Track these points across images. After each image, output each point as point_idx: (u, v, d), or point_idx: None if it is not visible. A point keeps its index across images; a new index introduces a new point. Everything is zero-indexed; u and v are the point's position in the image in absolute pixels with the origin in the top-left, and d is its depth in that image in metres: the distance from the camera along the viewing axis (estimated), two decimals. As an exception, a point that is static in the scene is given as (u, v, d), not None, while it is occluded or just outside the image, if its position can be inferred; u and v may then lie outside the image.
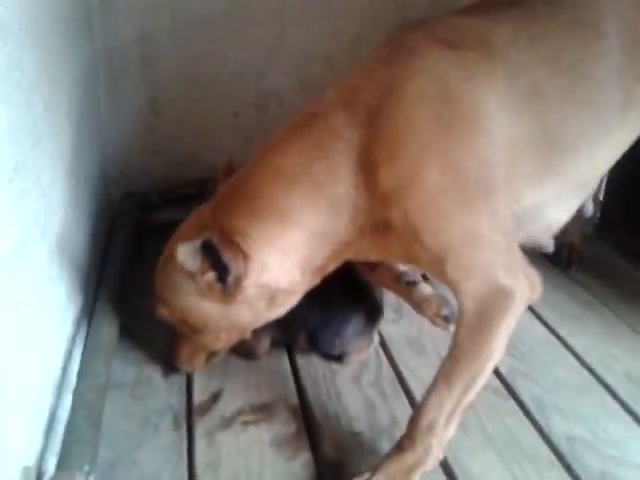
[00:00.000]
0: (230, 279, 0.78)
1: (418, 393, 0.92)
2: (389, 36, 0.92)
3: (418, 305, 1.07)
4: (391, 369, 1.01)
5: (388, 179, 0.76)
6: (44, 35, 0.87)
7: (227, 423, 0.87)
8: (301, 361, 1.02)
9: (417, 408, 0.77)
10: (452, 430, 0.76)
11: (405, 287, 1.08)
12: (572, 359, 1.04)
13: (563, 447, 0.85)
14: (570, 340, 1.09)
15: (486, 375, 0.76)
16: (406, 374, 1.00)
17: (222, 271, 0.78)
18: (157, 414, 0.89)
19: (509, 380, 0.98)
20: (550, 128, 0.86)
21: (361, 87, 0.81)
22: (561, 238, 1.30)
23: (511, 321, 0.77)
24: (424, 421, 0.75)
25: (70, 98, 1.03)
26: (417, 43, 0.83)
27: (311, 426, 0.88)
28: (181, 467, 0.80)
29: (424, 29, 0.87)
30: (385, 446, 0.83)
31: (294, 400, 0.93)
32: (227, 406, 0.91)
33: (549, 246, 1.26)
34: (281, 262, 0.80)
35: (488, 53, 0.83)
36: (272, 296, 0.82)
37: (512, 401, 0.94)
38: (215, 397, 0.92)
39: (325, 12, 1.41)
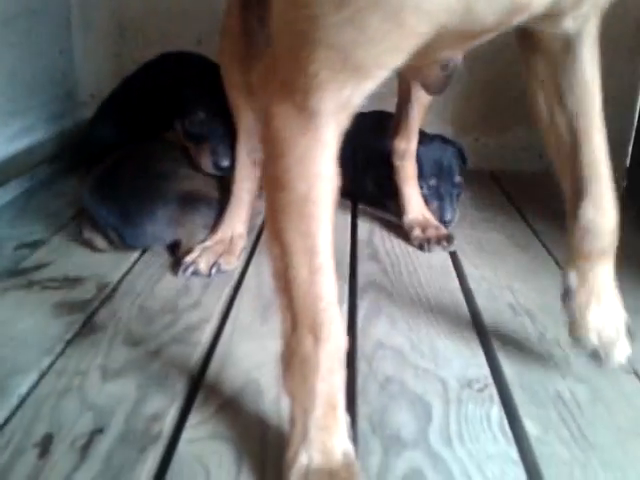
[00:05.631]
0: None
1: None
2: None
3: None
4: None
5: None
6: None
7: (28, 285, 0.90)
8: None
9: None
10: None
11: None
12: None
13: None
14: None
15: None
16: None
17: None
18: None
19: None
20: None
21: None
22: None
23: None
24: None
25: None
26: None
27: (105, 304, 0.87)
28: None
29: None
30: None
31: (106, 280, 0.93)
32: (44, 274, 0.93)
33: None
34: None
35: None
36: None
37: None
38: (38, 267, 0.96)
39: None
